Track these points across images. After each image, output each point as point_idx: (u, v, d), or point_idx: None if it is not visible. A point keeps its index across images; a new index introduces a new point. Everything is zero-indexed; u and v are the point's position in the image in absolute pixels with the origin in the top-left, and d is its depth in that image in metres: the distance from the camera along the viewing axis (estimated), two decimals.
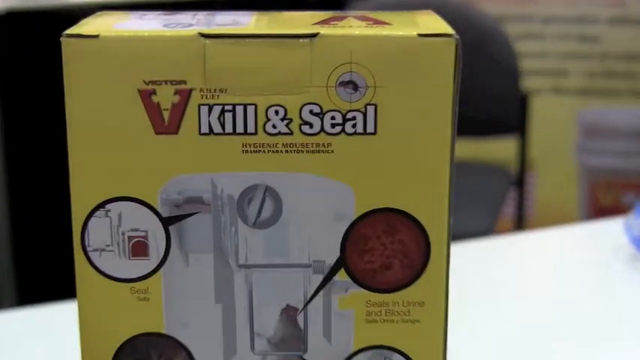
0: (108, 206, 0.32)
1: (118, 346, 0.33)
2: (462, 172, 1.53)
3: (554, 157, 1.69)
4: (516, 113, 1.36)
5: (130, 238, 0.32)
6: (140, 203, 0.32)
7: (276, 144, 0.31)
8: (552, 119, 1.67)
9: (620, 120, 1.66)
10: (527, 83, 1.48)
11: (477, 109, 1.32)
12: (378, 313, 0.33)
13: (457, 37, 0.30)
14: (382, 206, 0.32)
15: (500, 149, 1.52)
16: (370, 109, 0.31)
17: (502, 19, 1.56)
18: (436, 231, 0.32)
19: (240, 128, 0.31)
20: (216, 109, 0.31)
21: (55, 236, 1.02)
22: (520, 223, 1.41)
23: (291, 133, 0.31)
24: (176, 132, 0.31)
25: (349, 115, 0.31)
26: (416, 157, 0.31)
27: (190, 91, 0.31)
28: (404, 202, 0.32)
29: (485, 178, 1.43)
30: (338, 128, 0.31)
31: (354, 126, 0.31)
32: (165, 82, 0.31)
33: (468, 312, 0.56)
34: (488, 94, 1.33)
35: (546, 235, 0.72)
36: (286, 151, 0.31)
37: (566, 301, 0.58)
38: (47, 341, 0.53)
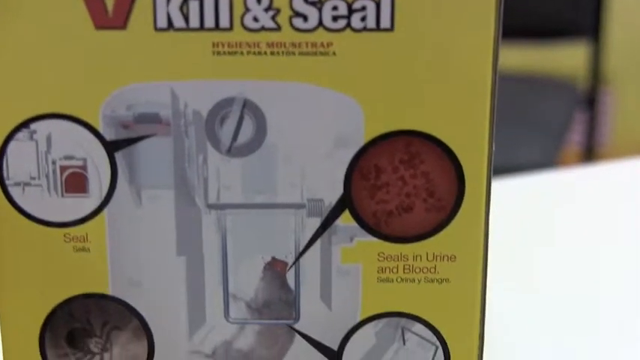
0: (33, 126, 0.32)
1: (49, 311, 0.33)
2: (516, 88, 1.53)
3: (637, 69, 1.68)
4: (588, 11, 1.35)
5: (62, 168, 0.32)
6: (76, 122, 0.32)
7: (258, 43, 0.31)
8: (636, 19, 1.66)
9: None
10: None
11: (535, 7, 1.31)
12: (394, 270, 0.33)
13: None
14: (400, 128, 0.32)
15: (566, 59, 1.51)
16: None
17: None
18: (473, 161, 0.32)
19: (209, 22, 0.31)
20: None
21: None
22: (590, 154, 1.42)
23: (279, 29, 0.31)
24: (123, 26, 0.31)
25: (357, 5, 0.31)
26: (446, 62, 0.31)
27: None
28: (430, 122, 0.31)
29: (546, 97, 1.43)
30: (342, 22, 0.31)
31: (363, 19, 0.31)
32: None
33: (516, 267, 0.56)
34: None
35: (623, 168, 0.72)
36: (272, 53, 0.31)
37: None
38: None
